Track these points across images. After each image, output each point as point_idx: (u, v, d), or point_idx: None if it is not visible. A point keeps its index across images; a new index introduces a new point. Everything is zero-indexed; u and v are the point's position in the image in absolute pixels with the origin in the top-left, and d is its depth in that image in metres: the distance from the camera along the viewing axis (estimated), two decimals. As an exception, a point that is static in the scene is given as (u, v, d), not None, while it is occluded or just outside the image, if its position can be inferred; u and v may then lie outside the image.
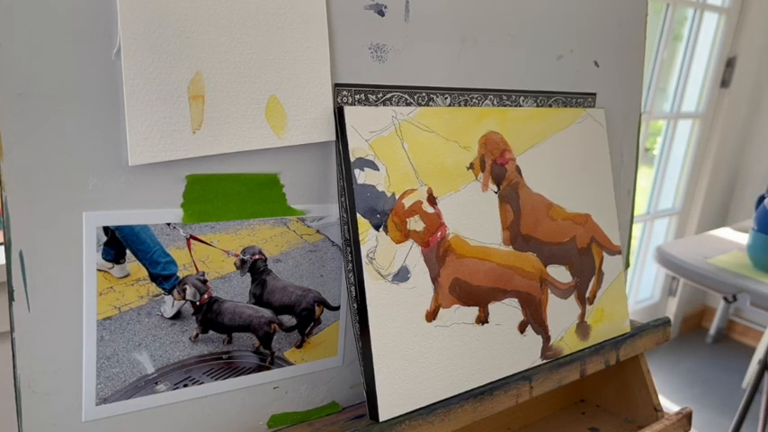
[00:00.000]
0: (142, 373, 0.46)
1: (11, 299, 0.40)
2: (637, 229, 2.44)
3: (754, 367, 2.29)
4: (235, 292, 0.49)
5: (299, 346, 0.53)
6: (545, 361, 0.62)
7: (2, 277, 0.77)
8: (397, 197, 0.52)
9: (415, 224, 0.53)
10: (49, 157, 0.40)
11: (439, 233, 0.54)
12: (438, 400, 0.53)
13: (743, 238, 1.91)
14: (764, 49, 2.59)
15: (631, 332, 0.71)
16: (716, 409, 2.24)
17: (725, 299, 1.98)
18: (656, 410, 0.73)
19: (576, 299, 0.66)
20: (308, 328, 0.53)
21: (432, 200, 0.54)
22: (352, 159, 0.49)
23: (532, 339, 0.62)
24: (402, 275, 0.52)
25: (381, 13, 0.52)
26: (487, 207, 0.58)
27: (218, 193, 0.47)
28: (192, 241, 0.46)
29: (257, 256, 0.49)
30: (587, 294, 0.67)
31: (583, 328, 0.67)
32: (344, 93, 0.51)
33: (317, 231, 0.52)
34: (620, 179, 0.76)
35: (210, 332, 0.48)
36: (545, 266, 0.63)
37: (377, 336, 0.50)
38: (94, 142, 0.41)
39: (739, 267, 1.71)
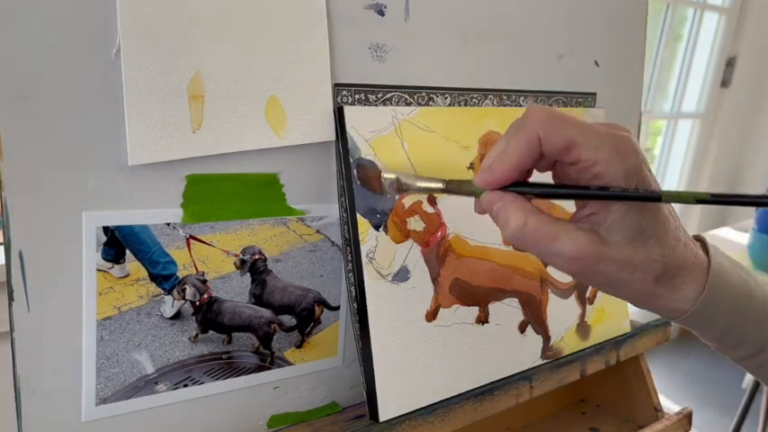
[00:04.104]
0: (142, 373, 0.46)
1: (11, 299, 0.40)
2: (637, 229, 2.43)
3: (754, 367, 2.29)
4: (234, 292, 0.49)
5: (298, 346, 0.53)
6: (545, 361, 0.62)
7: (2, 277, 0.76)
8: (396, 197, 0.52)
9: (415, 224, 0.53)
10: (48, 157, 0.40)
11: (439, 233, 0.54)
12: (438, 400, 0.53)
13: (743, 238, 1.91)
14: (764, 49, 2.59)
15: (631, 332, 0.71)
16: (716, 409, 2.24)
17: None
18: (657, 410, 0.73)
19: (576, 299, 0.66)
20: (308, 328, 0.53)
21: (432, 199, 0.54)
22: (352, 159, 0.49)
23: (532, 339, 0.62)
24: (402, 275, 0.52)
25: (381, 13, 0.52)
26: (487, 207, 0.58)
27: (217, 193, 0.47)
28: (191, 241, 0.46)
29: (257, 256, 0.49)
30: (587, 294, 0.67)
31: (583, 328, 0.67)
32: (344, 93, 0.51)
33: (317, 231, 0.52)
34: (621, 179, 0.76)
35: (210, 332, 0.48)
36: (545, 266, 0.63)
37: (377, 336, 0.50)
38: (94, 142, 0.41)
39: (739, 267, 1.70)
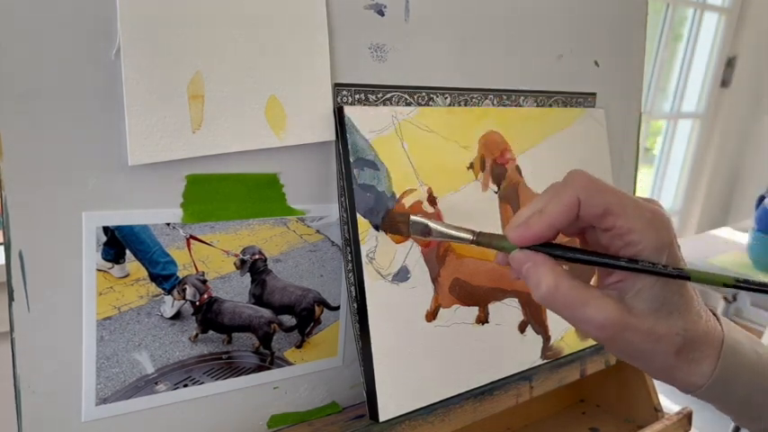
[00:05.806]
0: (142, 373, 0.46)
1: (10, 299, 0.40)
2: (637, 229, 2.43)
3: (754, 367, 2.29)
4: (234, 292, 0.49)
5: (298, 346, 0.53)
6: (545, 361, 0.62)
7: (2, 277, 0.76)
8: (397, 197, 0.52)
9: (415, 224, 0.53)
10: (49, 158, 0.40)
11: (439, 233, 0.54)
12: (438, 400, 0.53)
13: (743, 238, 1.91)
14: (764, 49, 2.59)
15: (631, 332, 0.71)
16: (716, 410, 2.24)
17: (725, 299, 1.97)
18: (656, 410, 0.73)
19: (576, 299, 0.66)
20: (308, 328, 0.53)
21: (432, 200, 0.54)
22: (352, 159, 0.49)
23: (532, 339, 0.62)
24: (402, 275, 0.52)
25: (381, 13, 0.52)
26: (488, 207, 0.58)
27: (217, 193, 0.47)
28: (191, 241, 0.46)
29: (257, 256, 0.49)
30: (587, 294, 0.67)
31: (583, 328, 0.67)
32: (344, 93, 0.51)
33: (317, 231, 0.52)
34: (620, 179, 0.76)
35: (210, 332, 0.48)
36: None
37: (377, 336, 0.50)
38: (94, 142, 0.41)
39: (739, 267, 1.71)
